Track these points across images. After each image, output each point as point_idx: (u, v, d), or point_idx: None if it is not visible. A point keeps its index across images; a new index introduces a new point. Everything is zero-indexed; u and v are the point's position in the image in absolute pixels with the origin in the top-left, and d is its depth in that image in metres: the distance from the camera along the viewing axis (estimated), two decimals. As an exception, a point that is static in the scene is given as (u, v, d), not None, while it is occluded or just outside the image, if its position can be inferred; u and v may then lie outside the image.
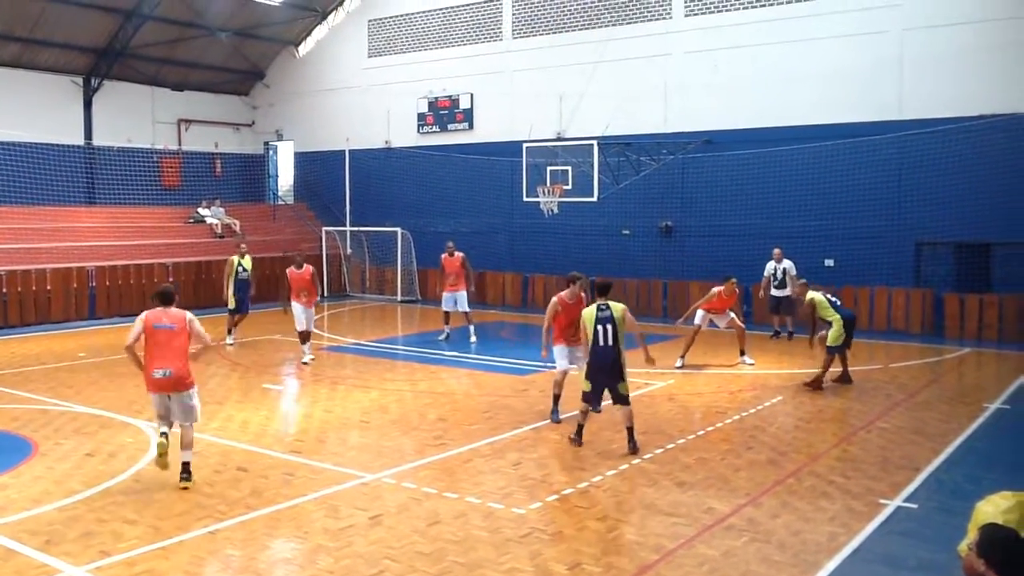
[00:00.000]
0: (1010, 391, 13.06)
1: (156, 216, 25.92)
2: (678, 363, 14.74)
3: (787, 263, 18.13)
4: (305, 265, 15.47)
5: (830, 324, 12.94)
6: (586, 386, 9.81)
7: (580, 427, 9.95)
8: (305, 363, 14.99)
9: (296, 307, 15.28)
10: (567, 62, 23.37)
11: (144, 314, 8.66)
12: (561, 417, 10.91)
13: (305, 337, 15.32)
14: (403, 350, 16.97)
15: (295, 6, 27.47)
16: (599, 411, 10.12)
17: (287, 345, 17.00)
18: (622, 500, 8.08)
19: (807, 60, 19.95)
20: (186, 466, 8.45)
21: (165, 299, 8.65)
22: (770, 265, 18.29)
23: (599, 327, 9.55)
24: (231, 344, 17.18)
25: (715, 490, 8.41)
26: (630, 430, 9.67)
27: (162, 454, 8.38)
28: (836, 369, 13.26)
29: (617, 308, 9.69)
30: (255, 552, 6.93)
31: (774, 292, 18.16)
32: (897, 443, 10.12)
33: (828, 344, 12.92)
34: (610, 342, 9.54)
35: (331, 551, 6.88)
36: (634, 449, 9.57)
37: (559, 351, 11.09)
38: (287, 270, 15.57)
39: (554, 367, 11.24)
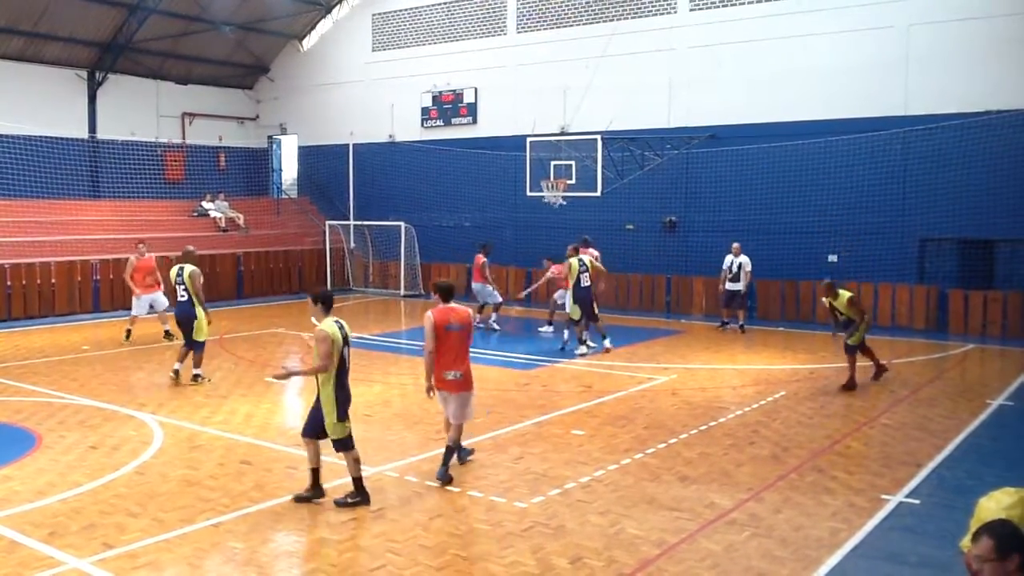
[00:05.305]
0: (1013, 387, 13.05)
1: (160, 209, 25.91)
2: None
3: (744, 258, 18.45)
4: (476, 256, 18.48)
5: (852, 324, 12.89)
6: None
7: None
8: (496, 328, 18.32)
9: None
10: (571, 57, 23.31)
11: (432, 315, 8.46)
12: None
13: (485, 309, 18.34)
14: (406, 344, 16.98)
15: (299, 0, 27.44)
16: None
17: (289, 338, 17.03)
18: (624, 494, 8.09)
19: (812, 55, 19.87)
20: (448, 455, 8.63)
21: (447, 294, 8.68)
22: (728, 258, 18.59)
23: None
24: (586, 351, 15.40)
25: (717, 485, 8.42)
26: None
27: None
28: (864, 363, 13.22)
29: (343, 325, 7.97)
30: (258, 545, 6.96)
31: (728, 286, 18.52)
32: (900, 439, 10.12)
33: (849, 343, 12.91)
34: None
35: (334, 544, 6.90)
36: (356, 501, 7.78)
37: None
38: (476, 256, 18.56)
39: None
